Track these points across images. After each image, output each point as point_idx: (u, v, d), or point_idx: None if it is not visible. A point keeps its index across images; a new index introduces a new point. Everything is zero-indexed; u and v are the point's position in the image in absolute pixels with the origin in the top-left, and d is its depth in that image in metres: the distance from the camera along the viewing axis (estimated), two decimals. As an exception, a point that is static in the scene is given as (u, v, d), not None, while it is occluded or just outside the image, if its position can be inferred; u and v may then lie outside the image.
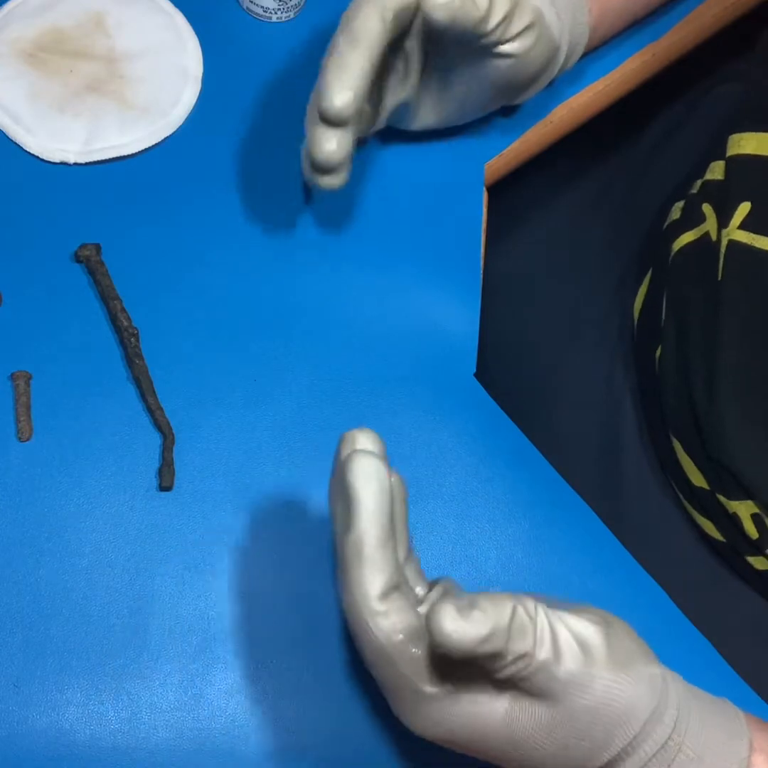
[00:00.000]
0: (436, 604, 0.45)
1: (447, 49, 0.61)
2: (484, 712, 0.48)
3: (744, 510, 0.65)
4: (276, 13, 0.71)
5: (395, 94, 0.63)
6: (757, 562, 0.67)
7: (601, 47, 0.72)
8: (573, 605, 0.49)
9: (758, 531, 0.65)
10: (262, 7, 0.70)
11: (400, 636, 0.47)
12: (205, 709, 0.57)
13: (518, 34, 0.58)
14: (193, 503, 0.61)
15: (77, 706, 0.57)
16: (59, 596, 0.58)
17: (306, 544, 0.60)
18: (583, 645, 0.47)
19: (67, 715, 0.57)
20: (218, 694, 0.58)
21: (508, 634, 0.45)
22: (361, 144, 0.68)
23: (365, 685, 0.59)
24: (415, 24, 0.59)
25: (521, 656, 0.45)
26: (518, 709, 0.47)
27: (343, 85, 0.55)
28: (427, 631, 0.45)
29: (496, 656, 0.45)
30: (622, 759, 0.48)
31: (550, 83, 0.69)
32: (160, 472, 0.61)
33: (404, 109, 0.65)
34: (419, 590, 0.52)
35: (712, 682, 0.59)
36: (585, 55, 0.70)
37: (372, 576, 0.47)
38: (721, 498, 0.66)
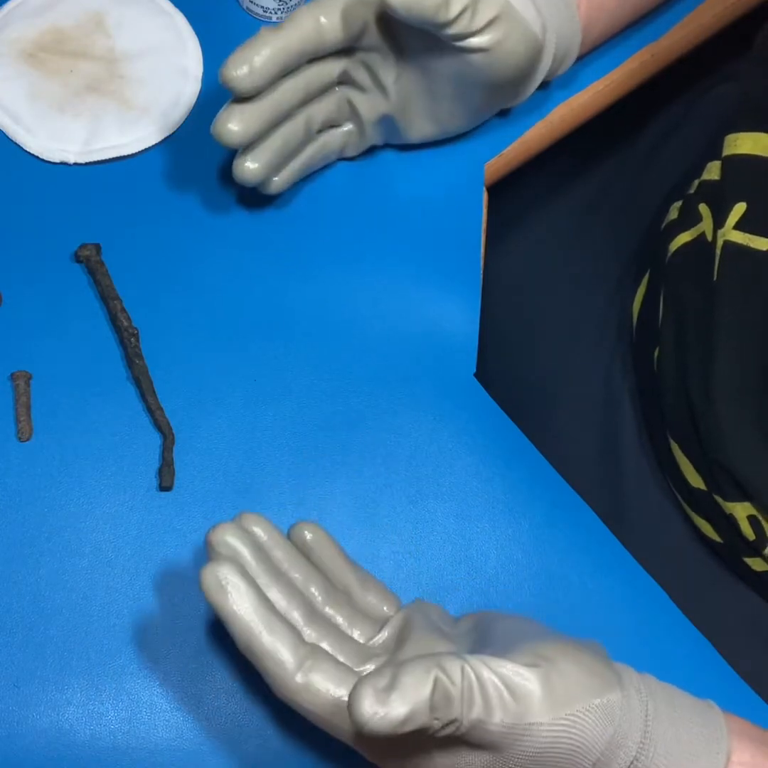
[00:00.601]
0: (354, 688, 0.45)
1: (419, 53, 0.61)
2: (436, 760, 0.48)
3: (740, 511, 0.65)
4: (276, 13, 0.71)
5: (373, 109, 0.64)
6: (755, 564, 0.67)
7: (600, 47, 0.72)
8: (524, 645, 0.48)
9: (755, 533, 0.65)
10: (262, 7, 0.70)
11: (331, 697, 0.47)
12: (205, 709, 0.57)
13: (486, 27, 0.58)
14: (193, 503, 0.61)
15: (77, 706, 0.57)
16: (59, 596, 0.58)
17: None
18: (515, 693, 0.46)
19: (67, 715, 0.56)
20: (218, 694, 0.58)
21: (430, 708, 0.44)
22: (349, 158, 0.68)
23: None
24: (370, 37, 0.60)
25: (449, 722, 0.45)
26: (465, 755, 0.48)
27: (244, 58, 0.58)
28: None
29: (423, 728, 0.45)
30: None
31: (549, 84, 0.69)
32: (160, 472, 0.60)
33: (392, 122, 0.65)
34: (386, 610, 0.55)
35: (712, 682, 0.59)
36: (583, 56, 0.70)
37: (276, 662, 0.48)
38: (718, 499, 0.66)
